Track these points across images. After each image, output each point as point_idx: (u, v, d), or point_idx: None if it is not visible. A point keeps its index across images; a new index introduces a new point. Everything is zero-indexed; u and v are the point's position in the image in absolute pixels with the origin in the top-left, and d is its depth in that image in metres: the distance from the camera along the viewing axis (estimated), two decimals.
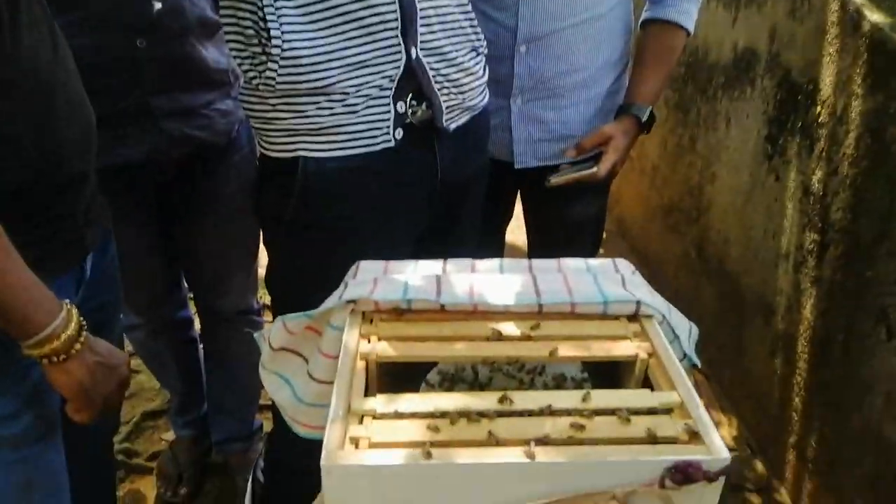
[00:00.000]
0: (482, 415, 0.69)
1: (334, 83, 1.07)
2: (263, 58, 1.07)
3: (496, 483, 0.64)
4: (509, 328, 0.83)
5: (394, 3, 1.07)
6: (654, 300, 0.87)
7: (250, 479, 1.41)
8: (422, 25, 1.11)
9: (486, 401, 0.71)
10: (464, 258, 0.98)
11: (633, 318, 0.86)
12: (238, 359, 1.68)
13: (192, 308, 1.80)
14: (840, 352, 1.57)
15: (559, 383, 0.83)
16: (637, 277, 0.93)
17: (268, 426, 1.88)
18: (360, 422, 0.69)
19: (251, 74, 1.10)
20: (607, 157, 1.44)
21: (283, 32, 1.04)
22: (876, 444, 1.47)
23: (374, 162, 1.13)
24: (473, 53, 1.23)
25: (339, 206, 1.16)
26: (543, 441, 0.66)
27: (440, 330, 0.83)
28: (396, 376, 0.82)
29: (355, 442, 0.66)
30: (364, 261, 0.98)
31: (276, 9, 1.03)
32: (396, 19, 1.08)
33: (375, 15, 1.07)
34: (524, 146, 1.52)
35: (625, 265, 0.97)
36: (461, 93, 1.20)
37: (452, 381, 0.83)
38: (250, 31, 1.07)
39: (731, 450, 0.66)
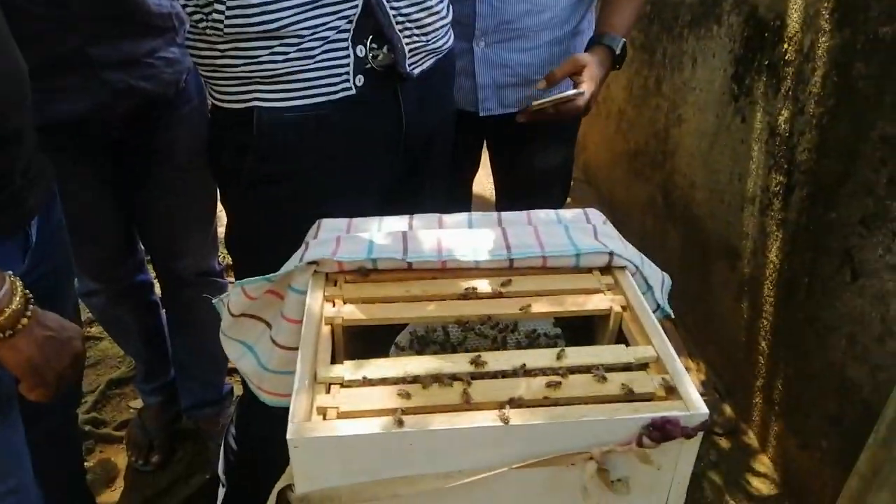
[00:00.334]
0: (455, 378, 0.67)
1: (287, 25, 1.01)
2: None
3: (471, 448, 0.62)
4: (480, 285, 0.81)
5: None
6: (626, 251, 0.85)
7: (222, 445, 1.38)
8: None
9: (458, 364, 0.69)
10: (431, 213, 0.95)
11: (606, 270, 0.85)
12: (202, 322, 1.63)
13: (153, 272, 1.74)
14: (805, 294, 1.59)
15: (532, 340, 0.81)
16: (609, 228, 0.91)
17: (238, 390, 1.86)
18: (328, 390, 0.66)
19: (197, 17, 1.02)
20: (585, 84, 1.32)
21: None
22: (840, 384, 1.50)
23: (334, 111, 1.08)
24: None
25: (298, 160, 1.10)
26: (518, 403, 0.64)
27: (408, 290, 0.80)
28: (364, 340, 0.79)
29: (323, 412, 0.63)
30: (326, 219, 0.94)
31: None
32: None
33: None
34: (488, 92, 1.47)
35: (596, 215, 0.95)
36: (424, 34, 1.14)
37: (423, 342, 0.80)
38: None
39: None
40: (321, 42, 1.04)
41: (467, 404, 0.65)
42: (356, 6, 1.04)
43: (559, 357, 0.70)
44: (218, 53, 1.05)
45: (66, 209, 1.14)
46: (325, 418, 0.63)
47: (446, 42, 1.22)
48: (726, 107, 1.88)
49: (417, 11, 1.11)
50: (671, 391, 0.67)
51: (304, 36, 1.02)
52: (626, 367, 0.70)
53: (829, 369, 1.52)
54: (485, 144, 1.68)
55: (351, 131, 1.11)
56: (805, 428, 1.63)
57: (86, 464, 1.75)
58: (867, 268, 1.39)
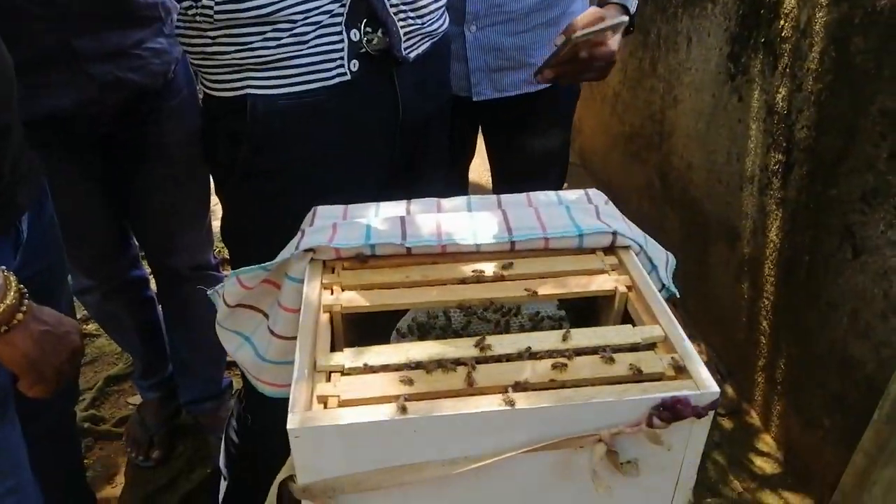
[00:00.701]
0: (459, 362, 0.65)
1: (279, 10, 0.98)
2: None
3: (477, 434, 0.61)
4: (482, 269, 0.79)
5: None
6: (630, 230, 0.84)
7: (223, 439, 1.37)
8: None
9: (462, 348, 0.67)
10: (429, 198, 0.93)
11: (610, 250, 0.83)
12: (199, 317, 1.61)
13: (147, 267, 1.72)
14: (806, 273, 1.58)
15: (536, 323, 0.80)
16: (611, 207, 0.90)
17: (238, 383, 1.84)
18: (328, 379, 0.65)
19: (186, 4, 1.00)
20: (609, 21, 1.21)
21: None
22: (842, 362, 1.49)
23: (329, 98, 1.05)
24: None
25: (293, 149, 1.08)
26: (524, 386, 0.63)
27: (408, 275, 0.79)
28: (363, 328, 0.77)
29: (324, 401, 0.62)
30: (321, 206, 0.92)
31: None
32: None
33: None
34: (481, 76, 1.45)
35: (597, 195, 0.93)
36: (419, 17, 1.11)
37: (424, 328, 0.79)
38: None
39: None
40: (314, 27, 1.01)
41: (472, 389, 0.63)
42: None
43: (565, 339, 0.69)
44: (209, 41, 1.03)
45: (55, 207, 1.12)
46: (325, 407, 0.61)
47: (442, 25, 1.20)
48: (723, 86, 1.86)
49: None
50: (680, 371, 0.65)
51: (297, 21, 1.00)
52: (634, 348, 0.69)
53: (832, 347, 1.51)
54: (480, 131, 1.66)
55: (346, 119, 1.08)
56: (808, 406, 1.62)
57: (85, 461, 1.74)
58: (869, 244, 1.38)
